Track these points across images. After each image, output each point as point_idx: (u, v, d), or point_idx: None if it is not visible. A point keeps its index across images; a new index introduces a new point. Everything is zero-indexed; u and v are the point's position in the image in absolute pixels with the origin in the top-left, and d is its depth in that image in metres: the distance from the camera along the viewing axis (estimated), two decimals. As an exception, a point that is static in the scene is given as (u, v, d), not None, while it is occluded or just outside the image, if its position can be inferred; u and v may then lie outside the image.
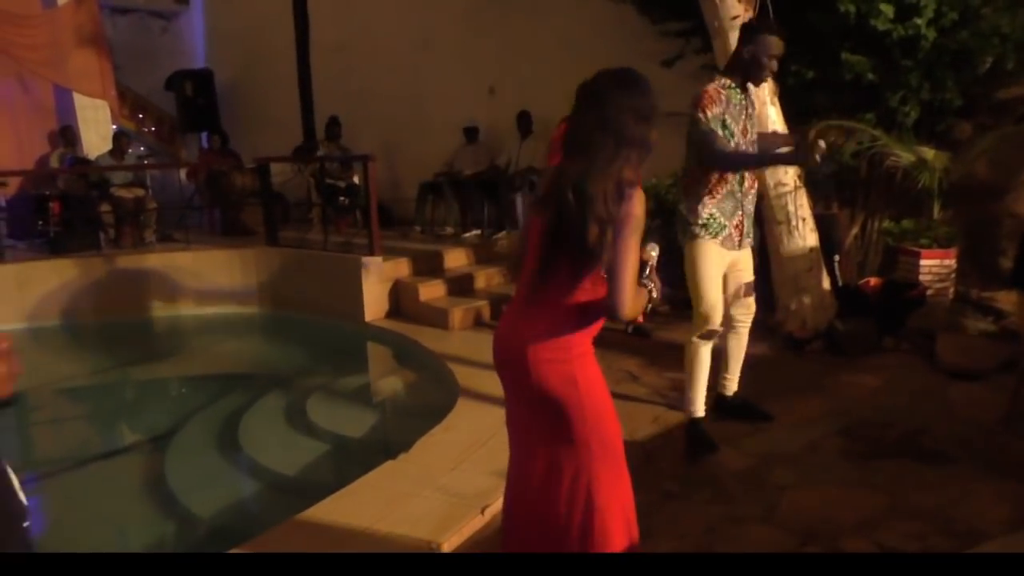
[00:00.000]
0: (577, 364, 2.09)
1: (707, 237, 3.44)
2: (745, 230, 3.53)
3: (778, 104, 4.87)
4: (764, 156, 3.69)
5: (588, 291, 2.05)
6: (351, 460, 4.06)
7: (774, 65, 3.44)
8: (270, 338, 7.01)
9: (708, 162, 3.39)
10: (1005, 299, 5.09)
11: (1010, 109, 5.69)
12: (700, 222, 3.43)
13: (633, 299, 1.96)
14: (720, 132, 3.35)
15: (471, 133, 8.26)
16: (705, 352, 3.57)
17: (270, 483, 3.91)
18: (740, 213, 3.49)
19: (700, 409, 3.63)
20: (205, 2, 11.98)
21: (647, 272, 2.10)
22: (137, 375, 6.17)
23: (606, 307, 1.97)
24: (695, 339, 3.55)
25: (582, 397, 2.08)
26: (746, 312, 3.71)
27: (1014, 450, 3.39)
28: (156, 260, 7.26)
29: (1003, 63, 5.33)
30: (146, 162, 9.16)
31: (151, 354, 6.62)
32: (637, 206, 1.96)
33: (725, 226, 3.45)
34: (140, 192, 8.04)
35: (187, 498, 3.72)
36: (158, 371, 6.24)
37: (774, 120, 4.79)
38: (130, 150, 9.02)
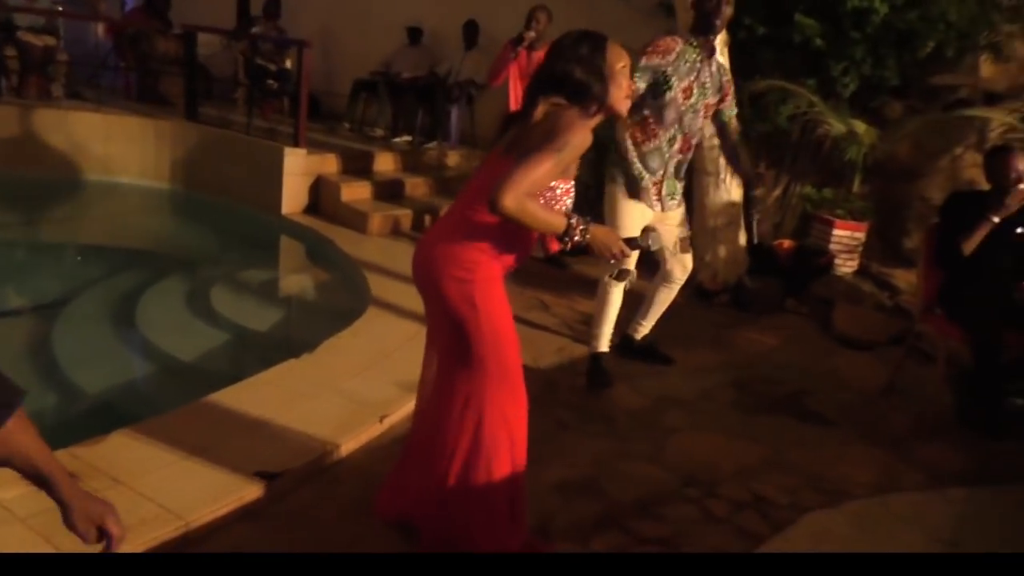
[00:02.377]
0: (479, 287, 2.11)
1: (622, 184, 3.48)
2: (665, 191, 3.55)
3: (727, 55, 4.86)
4: (629, 163, 3.47)
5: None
6: (252, 354, 3.99)
7: (724, 10, 3.38)
8: (179, 218, 6.73)
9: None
10: (902, 277, 5.33)
11: (941, 95, 5.86)
12: (618, 165, 3.48)
13: (526, 203, 1.90)
14: (643, 84, 3.32)
15: (414, 34, 7.95)
16: (616, 293, 3.62)
17: (164, 366, 3.81)
18: (662, 172, 3.51)
19: (604, 345, 3.71)
20: None
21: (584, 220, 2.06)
22: (31, 236, 5.85)
23: (489, 196, 1.91)
24: (607, 278, 3.58)
25: (480, 320, 2.12)
26: (683, 270, 3.77)
27: (888, 420, 3.62)
28: (62, 117, 6.78)
29: (944, 49, 5.45)
30: (60, 9, 8.44)
31: (48, 217, 6.28)
32: (576, 135, 1.97)
33: (644, 177, 3.46)
34: (51, 41, 7.44)
35: (73, 371, 3.56)
36: (54, 235, 5.93)
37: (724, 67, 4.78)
38: (44, -7, 8.32)
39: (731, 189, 4.99)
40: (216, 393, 3.02)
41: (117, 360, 3.95)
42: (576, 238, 2.02)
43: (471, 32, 7.30)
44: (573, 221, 2.02)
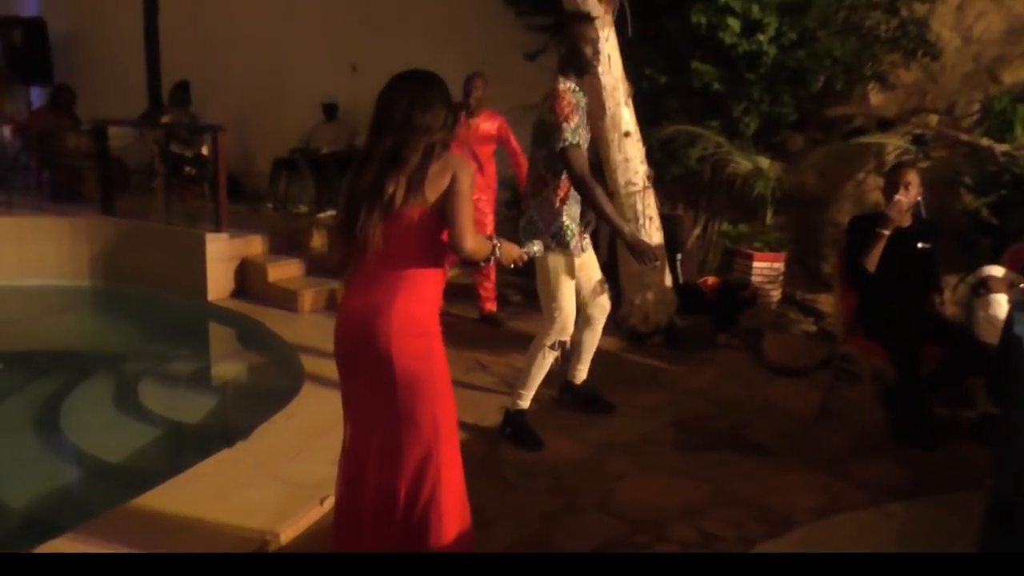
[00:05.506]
0: (435, 339, 2.25)
1: (559, 250, 3.47)
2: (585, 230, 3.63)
3: (631, 105, 5.04)
4: (616, 220, 3.50)
5: (429, 258, 2.24)
6: (186, 447, 3.89)
7: (599, 52, 3.49)
8: (101, 314, 6.55)
9: (576, 184, 3.40)
10: (825, 301, 5.52)
11: (838, 126, 6.17)
12: (552, 232, 3.46)
13: (476, 240, 2.20)
14: (584, 144, 3.39)
15: (330, 110, 8.03)
16: (550, 359, 3.62)
17: (92, 470, 3.68)
18: (580, 214, 3.56)
19: (528, 402, 3.70)
20: (40, -56, 10.98)
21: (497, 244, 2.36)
22: (-56, 349, 5.61)
23: (452, 245, 2.18)
24: (547, 347, 3.57)
25: (435, 372, 2.22)
26: (602, 311, 3.81)
27: (825, 444, 3.70)
28: (-29, 223, 6.60)
29: (834, 83, 5.78)
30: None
31: (-39, 327, 6.04)
32: (468, 171, 2.21)
33: (575, 233, 3.51)
34: (-45, 147, 7.29)
35: (-3, 486, 3.42)
36: (-31, 346, 5.69)
37: (627, 121, 4.95)
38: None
39: (652, 233, 5.11)
40: (147, 494, 2.92)
41: (42, 469, 3.78)
42: (496, 255, 2.34)
43: (386, 103, 7.40)
44: (494, 242, 2.34)
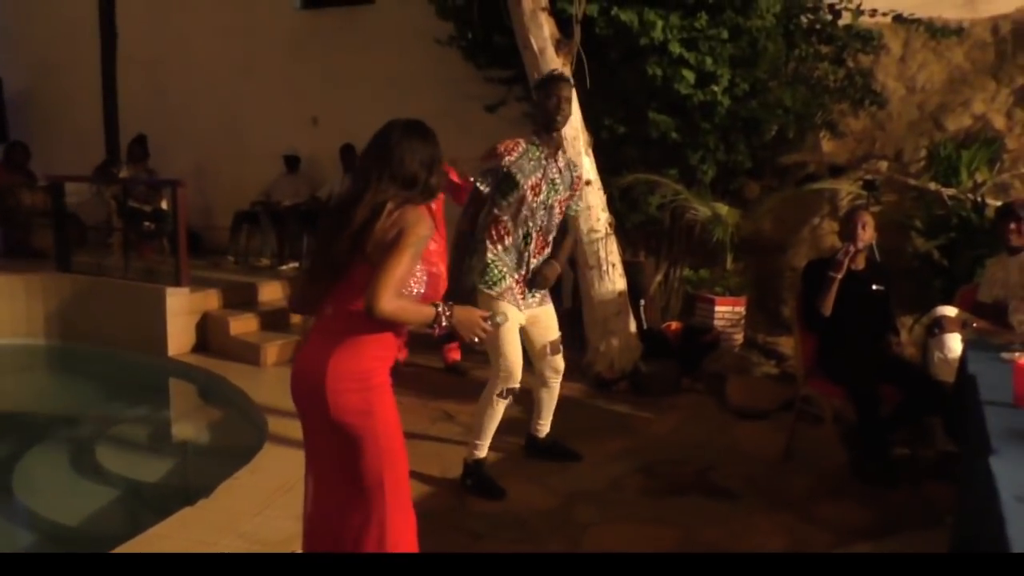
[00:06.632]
0: (376, 393, 2.14)
1: (484, 288, 3.49)
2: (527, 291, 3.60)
3: (592, 155, 5.14)
4: (464, 282, 3.49)
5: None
6: (146, 507, 3.79)
7: (563, 108, 3.51)
8: (58, 373, 6.41)
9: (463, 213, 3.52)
10: (786, 343, 5.61)
11: (792, 173, 6.36)
12: (478, 268, 3.50)
13: (398, 301, 2.02)
14: (485, 188, 3.44)
15: (292, 162, 8.05)
16: (501, 407, 3.60)
17: (47, 535, 3.56)
18: (523, 270, 3.56)
19: (484, 451, 3.68)
20: (-4, 3, 10.95)
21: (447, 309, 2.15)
22: None
23: (365, 305, 2.00)
24: (495, 396, 3.56)
25: (377, 427, 2.12)
26: (555, 372, 3.80)
27: (791, 485, 3.73)
28: (-78, 283, 6.45)
29: (786, 131, 5.96)
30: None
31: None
32: (420, 226, 2.06)
33: (504, 277, 3.51)
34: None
35: (-56, 556, 3.29)
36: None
37: (588, 169, 5.04)
38: None
39: (615, 279, 5.17)
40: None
41: (-6, 536, 3.66)
42: (444, 323, 2.12)
43: (349, 155, 7.43)
44: (440, 308, 2.12)
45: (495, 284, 3.50)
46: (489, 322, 2.29)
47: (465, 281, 3.48)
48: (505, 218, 3.51)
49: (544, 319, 3.71)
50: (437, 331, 2.14)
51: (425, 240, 2.08)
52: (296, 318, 6.35)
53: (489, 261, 3.51)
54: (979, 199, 5.30)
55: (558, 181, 3.58)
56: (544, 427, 3.98)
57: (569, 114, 3.60)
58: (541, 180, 3.50)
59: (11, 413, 5.47)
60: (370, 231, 2.06)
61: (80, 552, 3.09)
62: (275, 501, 3.35)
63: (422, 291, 2.18)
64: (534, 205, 3.51)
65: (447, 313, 2.13)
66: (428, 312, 2.11)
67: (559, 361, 3.79)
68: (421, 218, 2.09)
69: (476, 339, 2.26)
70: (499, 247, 3.52)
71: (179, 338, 5.96)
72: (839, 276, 3.77)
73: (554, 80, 3.61)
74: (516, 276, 3.55)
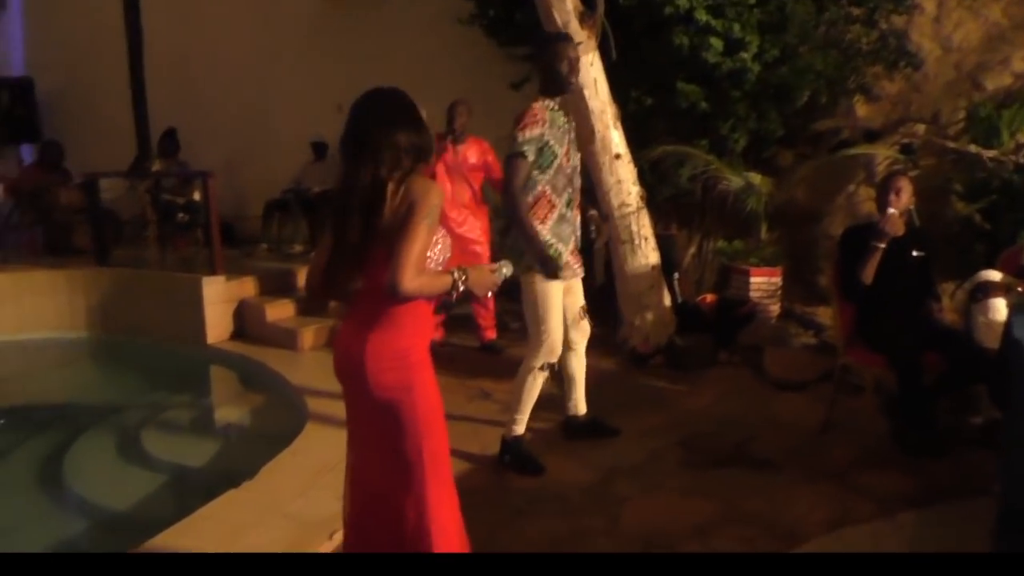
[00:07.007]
0: (414, 371, 2.15)
1: (537, 271, 3.44)
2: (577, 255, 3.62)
3: (621, 128, 5.08)
4: (538, 244, 3.43)
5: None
6: (192, 491, 3.84)
7: (577, 69, 3.49)
8: (101, 365, 6.53)
9: (503, 194, 3.46)
10: (824, 313, 5.52)
11: (825, 140, 6.23)
12: (523, 253, 3.43)
13: (420, 279, 2.01)
14: (532, 156, 3.37)
15: (320, 149, 8.08)
16: (540, 381, 3.62)
17: (98, 520, 3.63)
18: (575, 237, 3.56)
19: (523, 427, 3.69)
20: (25, 6, 11.11)
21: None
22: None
23: (387, 285, 1.99)
24: (535, 369, 3.57)
25: (416, 402, 2.13)
26: (583, 336, 3.82)
27: (832, 456, 3.68)
28: (-33, 281, 6.60)
29: (818, 98, 5.84)
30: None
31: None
32: (430, 196, 2.04)
33: (561, 253, 3.49)
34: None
35: (2, 543, 3.38)
36: (-31, 403, 5.66)
37: (617, 143, 4.99)
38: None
39: (648, 254, 5.13)
40: (153, 539, 2.90)
41: (45, 524, 3.75)
42: (461, 288, 2.15)
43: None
44: (455, 275, 2.14)
45: (551, 264, 3.47)
46: (496, 274, 2.33)
47: (541, 246, 3.42)
48: (548, 190, 3.45)
49: (576, 287, 3.72)
50: (455, 296, 2.16)
51: (437, 208, 2.06)
52: (331, 302, 6.41)
53: (548, 239, 3.46)
54: (1021, 160, 5.15)
55: (576, 140, 3.61)
56: (580, 403, 3.97)
57: (576, 72, 3.56)
58: (570, 145, 3.51)
59: (59, 405, 5.59)
60: (379, 212, 2.04)
61: (103, 552, 3.14)
62: (318, 482, 3.40)
63: (448, 255, 2.19)
64: (568, 171, 3.50)
65: (463, 278, 2.15)
66: (447, 280, 2.12)
67: (586, 325, 3.82)
68: (429, 187, 2.08)
69: (490, 294, 2.33)
70: (547, 224, 3.46)
71: (217, 326, 6.05)
72: (883, 245, 3.69)
73: (561, 40, 3.56)
74: (571, 247, 3.55)
